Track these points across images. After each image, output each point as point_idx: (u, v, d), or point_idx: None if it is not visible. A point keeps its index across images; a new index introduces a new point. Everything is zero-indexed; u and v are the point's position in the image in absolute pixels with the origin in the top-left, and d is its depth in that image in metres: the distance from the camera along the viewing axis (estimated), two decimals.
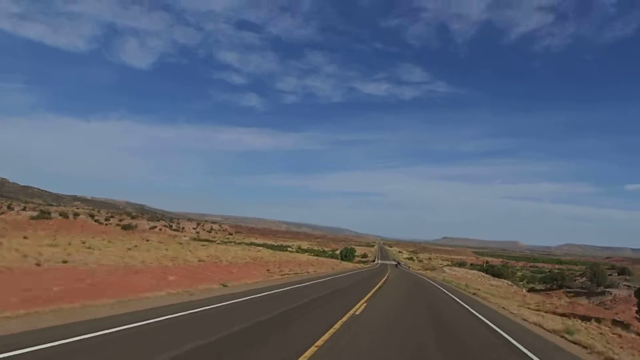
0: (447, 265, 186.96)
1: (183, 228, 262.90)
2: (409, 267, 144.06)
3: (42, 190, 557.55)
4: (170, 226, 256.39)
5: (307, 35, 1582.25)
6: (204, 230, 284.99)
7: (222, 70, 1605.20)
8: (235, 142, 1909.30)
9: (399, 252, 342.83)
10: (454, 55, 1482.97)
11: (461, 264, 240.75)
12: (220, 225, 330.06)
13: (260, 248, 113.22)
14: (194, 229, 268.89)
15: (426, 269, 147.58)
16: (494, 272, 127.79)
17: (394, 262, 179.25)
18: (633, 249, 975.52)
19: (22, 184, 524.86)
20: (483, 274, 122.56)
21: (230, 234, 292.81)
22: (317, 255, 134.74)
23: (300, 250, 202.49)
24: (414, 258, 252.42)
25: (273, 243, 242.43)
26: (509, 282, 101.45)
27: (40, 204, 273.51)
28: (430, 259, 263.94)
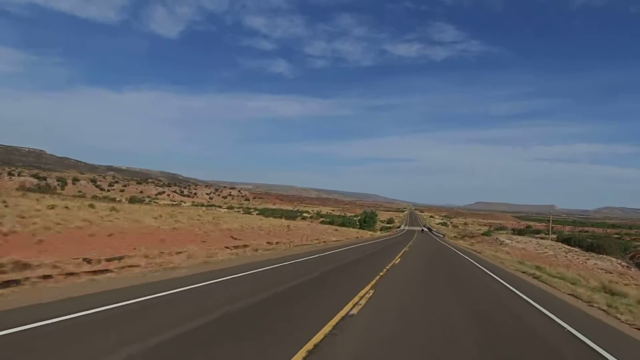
0: (492, 230, 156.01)
1: (195, 194, 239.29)
2: (444, 235, 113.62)
3: (78, 162, 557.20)
4: (182, 192, 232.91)
5: None
6: (219, 196, 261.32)
7: (250, 36, 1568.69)
8: (264, 110, 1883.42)
9: (431, 217, 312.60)
10: (489, 12, 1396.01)
11: (500, 229, 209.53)
12: (239, 191, 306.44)
13: (263, 217, 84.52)
14: (207, 194, 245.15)
15: (464, 237, 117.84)
16: (587, 245, 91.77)
17: (424, 228, 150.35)
18: None
19: (59, 156, 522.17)
20: (564, 246, 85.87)
21: (247, 199, 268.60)
22: (330, 223, 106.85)
23: (317, 215, 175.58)
24: (448, 223, 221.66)
25: (291, 208, 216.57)
26: (623, 263, 68.40)
27: (69, 174, 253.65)
28: (466, 224, 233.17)
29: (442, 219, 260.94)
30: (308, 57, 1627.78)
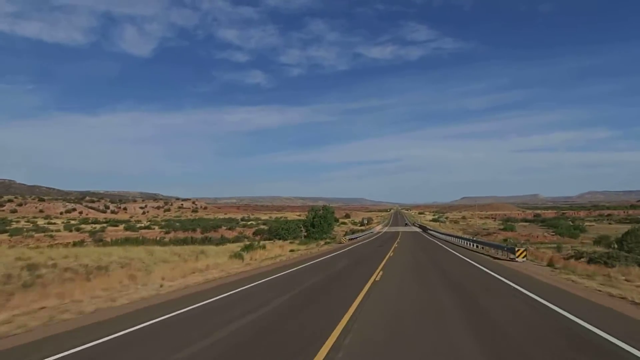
0: (508, 223, 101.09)
1: (125, 209, 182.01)
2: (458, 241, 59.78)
3: (50, 189, 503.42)
4: (106, 207, 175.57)
5: (306, 3, 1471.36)
6: (163, 210, 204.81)
7: (224, 49, 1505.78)
8: (243, 122, 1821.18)
9: (420, 213, 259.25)
10: (458, 8, 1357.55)
11: (507, 220, 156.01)
12: (194, 203, 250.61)
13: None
14: (140, 208, 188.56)
15: (483, 235, 63.59)
16: None
17: (412, 225, 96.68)
18: None
19: (30, 184, 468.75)
20: None
21: (196, 211, 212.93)
22: (269, 231, 52.36)
23: (260, 223, 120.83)
24: (446, 220, 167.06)
25: (240, 216, 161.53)
26: None
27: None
28: (464, 217, 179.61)
29: (433, 215, 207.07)
30: (284, 66, 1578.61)
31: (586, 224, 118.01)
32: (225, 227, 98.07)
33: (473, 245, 43.06)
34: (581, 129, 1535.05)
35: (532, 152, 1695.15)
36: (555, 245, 69.01)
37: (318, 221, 71.69)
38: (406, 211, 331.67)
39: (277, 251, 33.55)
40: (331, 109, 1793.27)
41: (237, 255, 26.59)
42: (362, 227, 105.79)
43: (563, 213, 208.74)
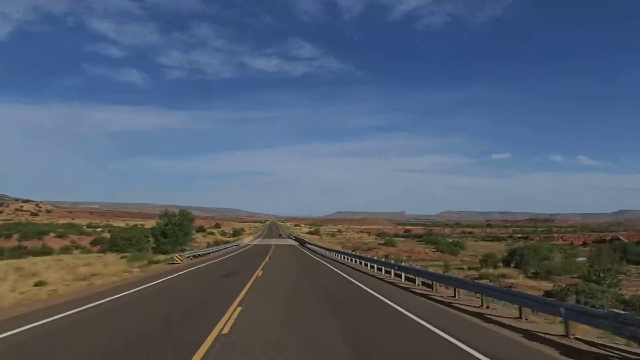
0: (389, 238, 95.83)
1: None
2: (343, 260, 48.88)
3: None
4: None
5: (193, 6, 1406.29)
6: None
7: (96, 41, 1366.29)
8: (114, 122, 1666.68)
9: (296, 225, 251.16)
10: (342, 32, 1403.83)
11: (381, 235, 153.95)
12: (38, 205, 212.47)
13: None
14: None
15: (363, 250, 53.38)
16: None
17: (289, 238, 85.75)
18: (501, 212, 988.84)
19: None
20: None
21: (37, 214, 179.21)
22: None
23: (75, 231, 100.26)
24: (323, 233, 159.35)
25: (82, 222, 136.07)
26: None
27: None
28: (339, 231, 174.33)
29: (309, 227, 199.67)
30: (163, 67, 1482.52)
31: (452, 240, 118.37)
32: (54, 235, 76.78)
33: (364, 264, 32.66)
34: (444, 154, 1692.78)
35: (402, 172, 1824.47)
36: (442, 264, 62.66)
37: (171, 229, 56.26)
38: (282, 223, 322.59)
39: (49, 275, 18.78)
40: (213, 117, 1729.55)
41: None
42: (230, 239, 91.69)
43: (430, 229, 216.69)
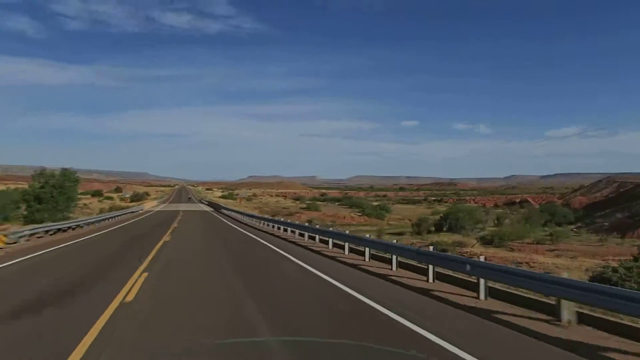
0: (312, 201, 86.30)
1: None
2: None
3: None
4: None
5: None
6: None
7: None
8: (2, 75, 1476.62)
9: (208, 189, 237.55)
10: None
11: (298, 199, 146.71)
12: None
13: None
14: None
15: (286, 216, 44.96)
16: None
17: (202, 205, 76.17)
18: (407, 177, 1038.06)
19: None
20: None
21: None
22: None
23: None
24: (241, 197, 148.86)
25: None
26: None
27: None
28: (255, 195, 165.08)
29: (222, 192, 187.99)
30: (58, 16, 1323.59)
31: (374, 203, 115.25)
32: None
33: (290, 232, 25.65)
34: (354, 120, 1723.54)
35: (315, 137, 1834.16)
36: (375, 229, 57.09)
37: (49, 193, 44.18)
38: (193, 187, 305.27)
39: None
40: (119, 73, 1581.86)
41: None
42: (130, 204, 79.18)
43: (346, 193, 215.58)
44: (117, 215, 46.61)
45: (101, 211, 60.14)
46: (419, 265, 12.42)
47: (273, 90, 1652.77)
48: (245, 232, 29.96)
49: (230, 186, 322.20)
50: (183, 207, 77.05)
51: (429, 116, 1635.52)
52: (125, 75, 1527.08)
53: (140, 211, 61.34)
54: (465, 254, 27.45)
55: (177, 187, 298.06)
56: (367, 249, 15.25)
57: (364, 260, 15.13)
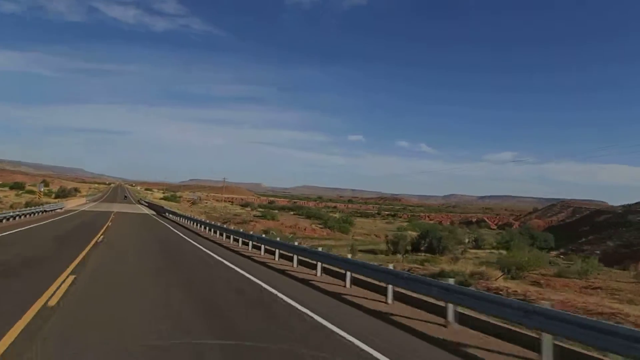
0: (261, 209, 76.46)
1: None
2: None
3: None
4: None
5: None
6: None
7: None
8: None
9: (147, 190, 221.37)
10: None
11: (246, 205, 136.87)
12: None
13: None
14: None
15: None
16: None
17: (141, 207, 66.08)
18: (352, 189, 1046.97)
19: None
20: None
21: None
22: None
23: None
24: (177, 197, 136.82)
25: None
26: None
27: None
28: (200, 198, 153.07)
29: (164, 193, 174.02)
30: None
31: (333, 215, 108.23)
32: None
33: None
34: (304, 131, 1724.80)
35: (263, 145, 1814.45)
36: (345, 244, 49.61)
37: None
38: (131, 187, 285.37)
39: None
40: (55, 63, 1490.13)
41: None
42: (51, 201, 66.90)
43: (295, 202, 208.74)
44: (11, 217, 33.19)
45: (11, 207, 48.75)
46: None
47: (222, 96, 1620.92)
48: (223, 259, 21.22)
49: (172, 188, 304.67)
50: (117, 207, 66.00)
51: (374, 132, 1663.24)
52: (65, 67, 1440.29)
53: (58, 210, 49.33)
54: (497, 291, 20.58)
55: (113, 185, 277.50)
56: (348, 273, 12.46)
57: (345, 287, 12.27)
